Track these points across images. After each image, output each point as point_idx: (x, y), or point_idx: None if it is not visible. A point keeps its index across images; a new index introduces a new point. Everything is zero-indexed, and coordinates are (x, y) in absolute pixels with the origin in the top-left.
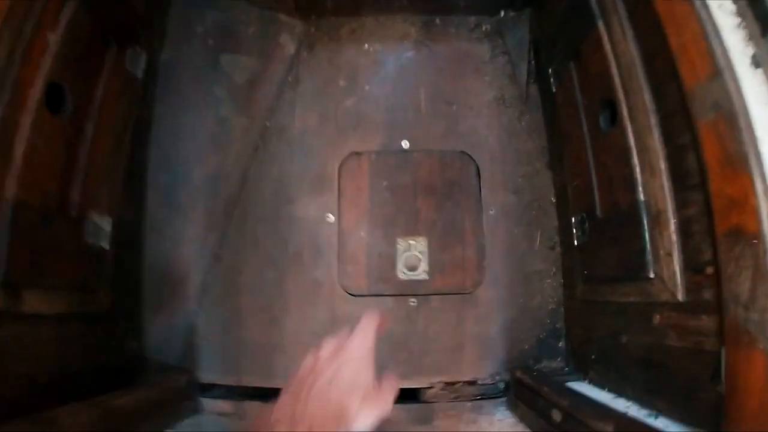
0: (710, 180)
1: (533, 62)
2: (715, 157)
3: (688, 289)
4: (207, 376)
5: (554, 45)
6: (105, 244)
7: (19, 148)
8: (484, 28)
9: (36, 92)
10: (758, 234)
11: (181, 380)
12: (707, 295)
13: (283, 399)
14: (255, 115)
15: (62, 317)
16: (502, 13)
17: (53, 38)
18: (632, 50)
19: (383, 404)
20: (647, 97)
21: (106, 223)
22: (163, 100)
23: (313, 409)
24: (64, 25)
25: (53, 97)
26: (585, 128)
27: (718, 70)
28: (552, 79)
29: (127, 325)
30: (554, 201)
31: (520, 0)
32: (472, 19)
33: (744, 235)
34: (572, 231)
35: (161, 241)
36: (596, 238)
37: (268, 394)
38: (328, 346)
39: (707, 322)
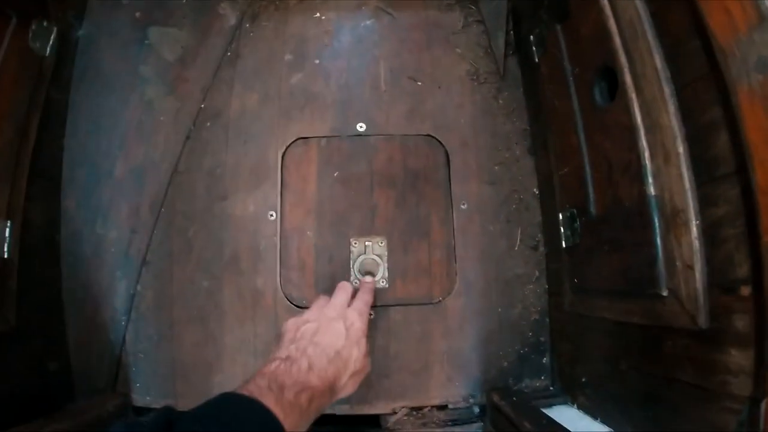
0: (754, 168)
1: (512, 32)
2: (763, 135)
3: (714, 314)
4: (141, 398)
5: (538, 7)
6: (5, 252)
7: None
8: None
9: None
10: None
11: (112, 404)
12: (740, 322)
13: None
14: (187, 97)
15: None
16: None
17: None
18: (637, 2)
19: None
20: (659, 61)
21: (5, 228)
22: (80, 82)
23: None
24: None
25: None
26: (576, 104)
27: (765, 16)
28: (534, 48)
29: (45, 344)
30: (537, 193)
31: None
32: None
33: None
34: (559, 230)
35: (80, 246)
36: (589, 240)
37: None
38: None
39: (738, 357)
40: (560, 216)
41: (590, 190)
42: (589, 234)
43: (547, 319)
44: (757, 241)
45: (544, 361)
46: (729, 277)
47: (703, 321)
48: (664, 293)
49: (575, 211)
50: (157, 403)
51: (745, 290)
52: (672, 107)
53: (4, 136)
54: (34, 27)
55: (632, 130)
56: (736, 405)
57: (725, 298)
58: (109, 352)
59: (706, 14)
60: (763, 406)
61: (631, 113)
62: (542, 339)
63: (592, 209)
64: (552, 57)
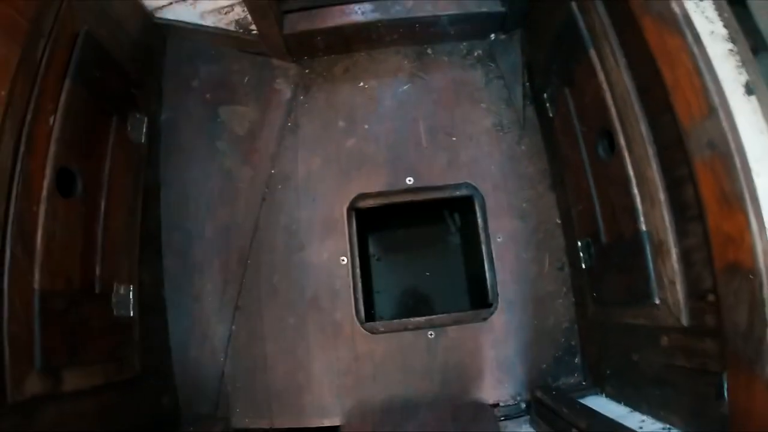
0: (708, 216)
1: (528, 84)
2: (712, 194)
3: (692, 315)
4: (240, 421)
5: (548, 69)
6: (131, 312)
7: (39, 239)
8: (476, 54)
9: (47, 180)
10: (754, 270)
11: (216, 428)
12: (710, 320)
13: None
14: (259, 164)
15: (100, 388)
16: (493, 36)
17: (55, 122)
18: (626, 79)
19: None
20: (644, 127)
21: (129, 292)
22: (167, 159)
23: None
24: (63, 106)
25: (64, 182)
26: (584, 155)
27: (712, 108)
28: (548, 104)
29: (159, 383)
30: (559, 222)
31: (510, 22)
32: (464, 45)
33: (741, 270)
34: (579, 255)
35: (182, 299)
36: (602, 263)
37: None
38: None
39: (711, 345)
40: (579, 243)
41: (600, 224)
42: (602, 258)
43: (576, 326)
44: (713, 266)
45: (576, 362)
46: (700, 288)
47: (685, 320)
48: (657, 302)
49: (590, 240)
50: (255, 424)
51: (711, 297)
52: (654, 164)
53: (121, 217)
54: (130, 120)
55: (627, 180)
56: (713, 379)
57: (699, 303)
58: (210, 384)
59: (673, 100)
60: (724, 376)
61: (625, 167)
62: (573, 343)
63: (603, 239)
64: (563, 115)
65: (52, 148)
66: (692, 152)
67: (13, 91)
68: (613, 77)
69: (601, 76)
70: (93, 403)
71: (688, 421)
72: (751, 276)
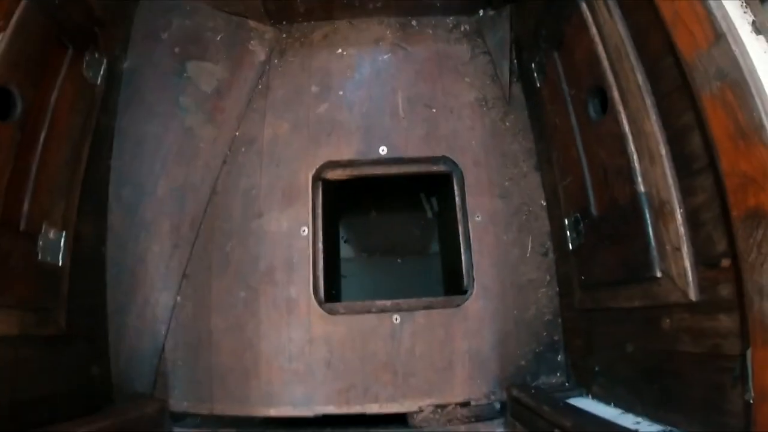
0: (720, 159)
1: (515, 60)
2: (724, 131)
3: (702, 287)
4: (179, 404)
5: (536, 37)
6: (59, 260)
7: None
8: (462, 29)
9: None
10: None
11: (151, 409)
12: (724, 291)
13: None
14: (223, 124)
15: (13, 339)
16: (481, 12)
17: (2, 39)
18: (620, 29)
19: None
20: (640, 77)
21: (61, 238)
22: (126, 109)
23: None
24: (13, 25)
25: (2, 102)
26: (573, 120)
27: (719, 34)
28: (535, 74)
29: (89, 348)
30: (545, 204)
31: None
32: (451, 20)
33: (765, 217)
34: (566, 234)
35: (125, 258)
36: (593, 238)
37: (245, 423)
38: None
39: (726, 322)
40: (566, 221)
41: (590, 194)
42: (592, 233)
43: (560, 320)
44: (729, 217)
45: (558, 359)
46: (711, 253)
47: (693, 294)
48: (658, 274)
49: (579, 215)
50: (195, 409)
51: (726, 262)
52: (654, 116)
53: (62, 156)
54: (87, 57)
55: (622, 138)
56: (729, 363)
57: (710, 272)
58: (148, 359)
59: (674, 35)
60: (748, 354)
61: (620, 124)
62: (556, 338)
63: (593, 211)
64: (551, 81)
65: None
66: (699, 87)
67: None
68: (607, 29)
69: (593, 30)
70: (5, 354)
71: (696, 418)
72: None
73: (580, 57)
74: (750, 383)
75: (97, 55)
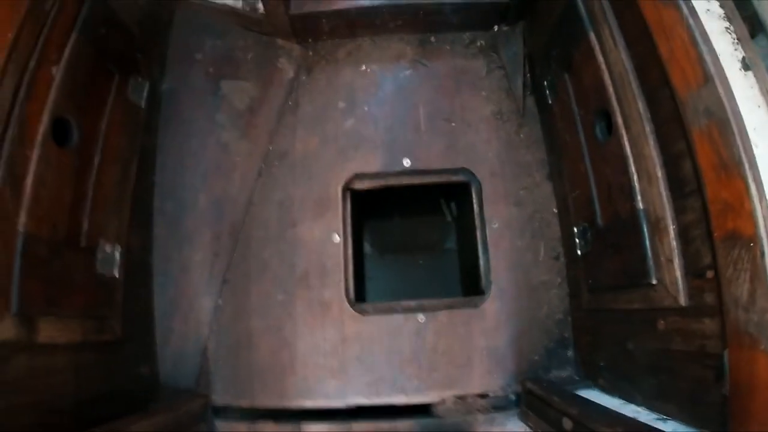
0: (706, 186)
1: (529, 75)
2: (709, 163)
3: (690, 294)
4: (220, 399)
5: (548, 57)
6: (115, 272)
7: (29, 183)
8: (478, 44)
9: (43, 127)
10: (754, 237)
11: (195, 404)
12: (709, 298)
13: None
14: (257, 139)
15: (76, 346)
16: (496, 28)
17: (57, 72)
18: (624, 59)
19: None
20: (641, 105)
21: (116, 252)
22: (166, 128)
23: None
24: (67, 59)
25: (60, 131)
26: (582, 139)
27: (708, 77)
28: (548, 91)
29: (139, 351)
30: (556, 212)
31: (513, 13)
32: (467, 35)
33: (740, 239)
34: (575, 241)
35: (170, 267)
36: (599, 247)
37: (282, 415)
38: None
39: (710, 325)
40: (575, 229)
41: (597, 206)
42: (598, 242)
43: (570, 318)
44: (712, 237)
45: (568, 354)
46: (698, 265)
47: (683, 300)
48: (654, 282)
49: (587, 224)
50: (235, 403)
51: (710, 274)
52: (652, 141)
53: (114, 175)
54: (131, 82)
55: (624, 159)
56: (712, 362)
57: (697, 281)
58: (192, 358)
59: (669, 72)
60: (725, 355)
61: (622, 146)
62: (566, 335)
63: (600, 222)
64: (562, 100)
65: (52, 96)
66: (689, 122)
67: (19, 36)
68: (612, 58)
69: (600, 58)
70: (67, 359)
71: (685, 408)
72: (751, 244)
73: (588, 81)
74: (726, 379)
75: (140, 79)
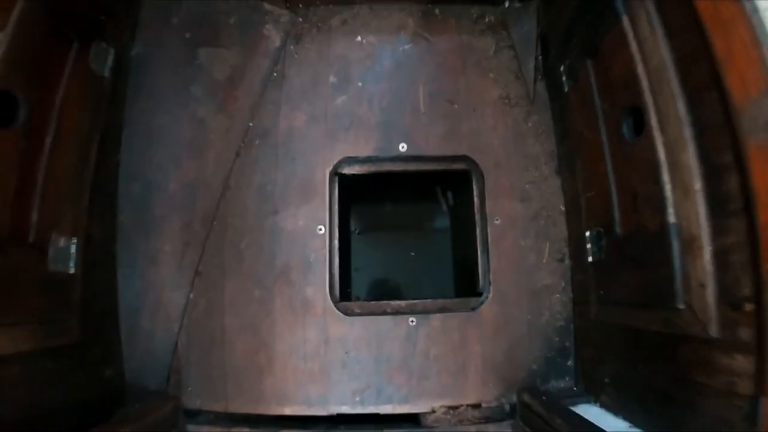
0: (757, 209)
1: (541, 58)
2: (765, 182)
3: (723, 325)
4: (192, 402)
5: (568, 39)
6: (71, 268)
7: None
8: (487, 20)
9: None
10: None
11: (165, 408)
12: (744, 334)
13: None
14: (236, 115)
15: (29, 355)
16: (507, 4)
17: (2, 40)
18: (663, 51)
19: None
20: (681, 105)
21: (71, 245)
22: (134, 100)
23: None
24: (13, 24)
25: (4, 108)
26: (604, 135)
27: None
28: (564, 78)
29: (103, 352)
30: (563, 210)
31: None
32: (475, 10)
33: None
34: (585, 246)
35: (136, 258)
36: (614, 257)
37: (259, 422)
38: None
39: (742, 362)
40: (587, 233)
41: (616, 213)
42: (615, 252)
43: (572, 326)
44: (759, 269)
45: (568, 364)
46: (736, 295)
47: (714, 331)
48: (681, 306)
49: (601, 230)
50: (208, 406)
51: (749, 307)
52: (692, 148)
53: (70, 158)
54: (93, 49)
55: (656, 165)
56: (740, 402)
57: (732, 313)
58: (161, 357)
59: (724, 74)
60: (761, 401)
61: (655, 150)
62: (567, 344)
63: (617, 230)
64: (582, 89)
65: None
66: (744, 134)
67: None
68: (648, 48)
69: (633, 47)
70: (19, 370)
71: None
72: None
73: (618, 72)
74: (760, 427)
75: (104, 45)
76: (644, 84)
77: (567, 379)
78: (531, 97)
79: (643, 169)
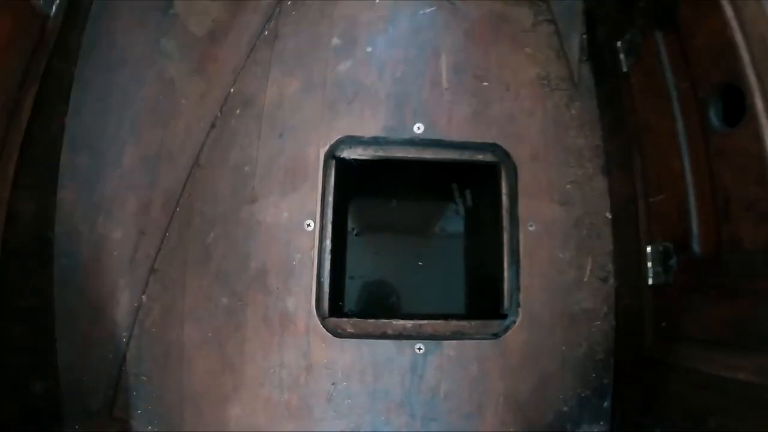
0: None
1: (585, 36)
2: None
3: None
4: (143, 427)
5: (627, 10)
6: None
7: None
8: None
9: None
10: None
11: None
12: None
13: None
14: (215, 77)
15: None
16: None
17: None
18: None
19: None
20: None
21: None
22: (90, 52)
23: None
24: None
25: None
26: (680, 123)
27: None
28: (622, 55)
29: (31, 360)
30: (609, 218)
31: None
32: None
33: None
34: (645, 264)
35: (78, 247)
36: (690, 281)
37: None
38: None
39: None
40: (648, 248)
41: (694, 223)
42: (690, 274)
43: (612, 360)
44: None
45: (604, 406)
46: None
47: None
48: None
49: (671, 245)
50: None
51: None
52: None
53: None
54: None
55: (762, 161)
56: None
57: None
58: (106, 371)
59: None
60: None
61: (762, 142)
62: (605, 381)
63: (696, 246)
64: (648, 67)
65: None
66: None
67: None
68: (749, 14)
69: (729, 13)
70: None
71: None
72: None
73: (704, 43)
74: None
75: None
76: (745, 57)
77: (601, 423)
78: (575, 80)
79: (741, 166)
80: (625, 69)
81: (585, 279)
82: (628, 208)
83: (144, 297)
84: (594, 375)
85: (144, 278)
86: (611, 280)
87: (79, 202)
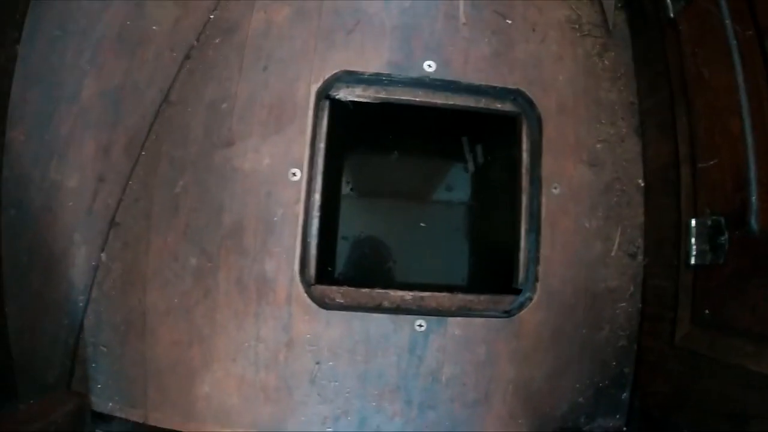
0: None
1: None
2: None
3: None
4: (103, 404)
5: None
6: None
7: None
8: None
9: None
10: None
11: (66, 407)
12: None
13: None
14: (192, 2)
15: None
16: None
17: None
18: None
19: None
20: None
21: None
22: None
23: None
24: None
25: None
26: (740, 77)
27: None
28: (669, 1)
29: None
30: (642, 185)
31: None
32: None
33: None
34: (689, 239)
35: (27, 195)
36: (744, 263)
37: None
38: None
39: None
40: (692, 222)
41: (753, 195)
42: (744, 255)
43: (635, 346)
44: None
45: (623, 397)
46: None
47: None
48: None
49: (723, 220)
50: (123, 413)
51: None
52: None
53: None
54: None
55: None
56: None
57: None
58: (62, 339)
59: None
60: None
61: None
62: (626, 371)
63: (754, 222)
64: (701, 12)
65: None
66: None
67: None
68: None
69: None
70: None
71: None
72: None
73: None
74: None
75: None
76: None
77: (617, 417)
78: (609, 27)
79: None
80: (672, 15)
81: (612, 254)
82: (665, 175)
83: (103, 255)
84: (614, 363)
85: (103, 233)
86: (639, 257)
87: (29, 142)
